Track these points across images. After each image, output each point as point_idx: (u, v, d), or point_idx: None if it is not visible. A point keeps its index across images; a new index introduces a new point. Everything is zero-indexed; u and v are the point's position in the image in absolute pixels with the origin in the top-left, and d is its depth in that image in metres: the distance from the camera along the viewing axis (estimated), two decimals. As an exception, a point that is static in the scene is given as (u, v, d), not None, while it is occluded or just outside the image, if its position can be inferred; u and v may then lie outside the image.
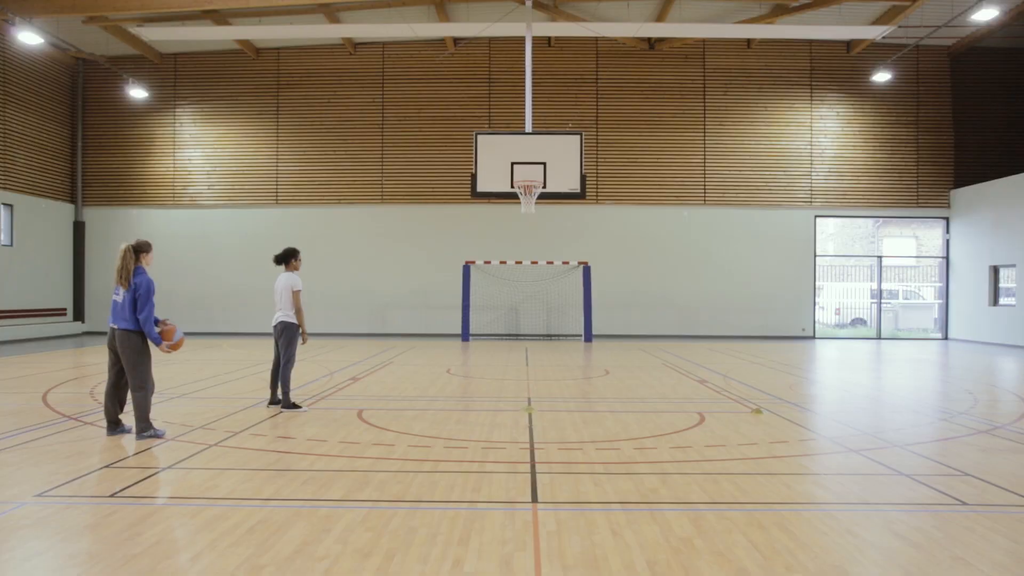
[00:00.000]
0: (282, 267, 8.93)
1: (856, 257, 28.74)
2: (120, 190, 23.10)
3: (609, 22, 20.24)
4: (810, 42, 22.45)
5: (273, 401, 8.84)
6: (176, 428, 7.47)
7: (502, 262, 21.46)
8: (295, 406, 8.59)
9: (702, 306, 22.40)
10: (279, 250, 9.00)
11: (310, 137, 22.72)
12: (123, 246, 6.96)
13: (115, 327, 6.90)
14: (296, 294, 8.58)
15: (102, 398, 9.37)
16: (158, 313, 7.06)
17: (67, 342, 19.58)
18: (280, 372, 8.60)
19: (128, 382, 6.95)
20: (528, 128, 15.42)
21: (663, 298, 22.39)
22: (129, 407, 7.15)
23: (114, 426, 7.10)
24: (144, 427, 6.92)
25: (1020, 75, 22.11)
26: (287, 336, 8.55)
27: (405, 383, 11.23)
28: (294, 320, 8.60)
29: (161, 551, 4.10)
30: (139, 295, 6.81)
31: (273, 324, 8.71)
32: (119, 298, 6.89)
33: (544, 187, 14.52)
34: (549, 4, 19.60)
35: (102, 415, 8.17)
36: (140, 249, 7.00)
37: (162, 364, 13.77)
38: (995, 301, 20.93)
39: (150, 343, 6.96)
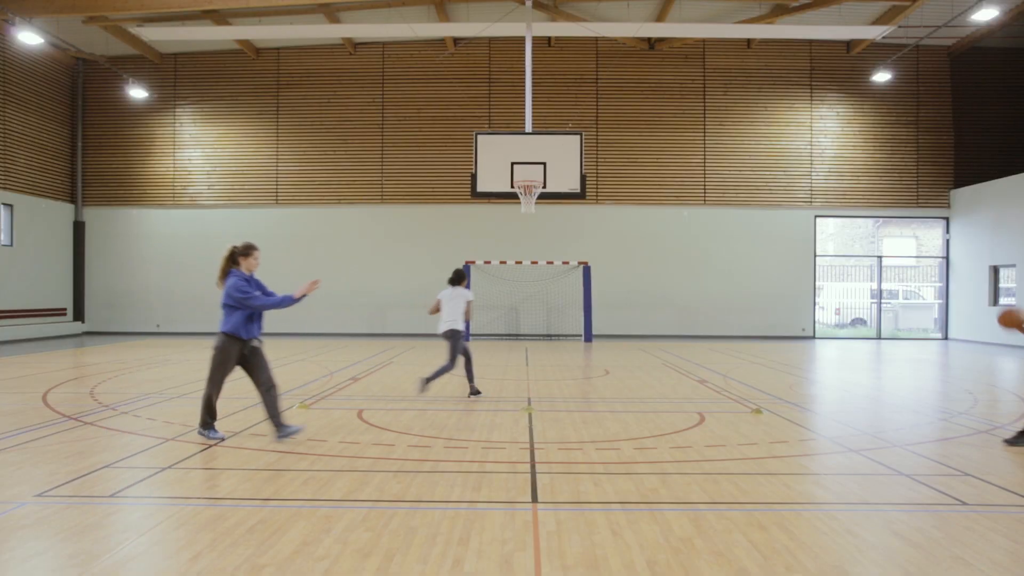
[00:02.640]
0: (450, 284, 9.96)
1: (856, 257, 28.74)
2: (120, 190, 23.11)
3: (609, 22, 20.24)
4: (810, 42, 22.45)
5: (475, 390, 9.91)
6: (176, 428, 7.47)
7: (502, 262, 21.46)
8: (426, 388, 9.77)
9: (702, 306, 22.40)
10: (451, 273, 10.10)
11: (310, 137, 22.73)
12: (227, 248, 6.90)
13: None
14: (469, 304, 9.87)
15: (103, 398, 9.40)
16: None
17: (67, 342, 19.58)
18: (469, 366, 9.91)
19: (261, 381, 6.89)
20: (528, 128, 15.42)
21: (663, 298, 22.39)
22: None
23: (281, 428, 6.83)
24: (205, 424, 6.90)
25: (1020, 75, 22.11)
26: (457, 339, 9.68)
27: (405, 383, 11.23)
28: (462, 327, 9.75)
29: (161, 551, 4.10)
30: (229, 296, 6.67)
31: (444, 331, 9.68)
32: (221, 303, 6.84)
33: (544, 187, 14.51)
34: (549, 4, 19.60)
35: (102, 415, 8.19)
36: (241, 253, 6.86)
37: (162, 364, 13.78)
38: (995, 301, 20.93)
39: (232, 345, 6.74)
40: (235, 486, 5.36)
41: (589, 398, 10.00)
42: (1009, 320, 6.71)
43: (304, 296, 6.87)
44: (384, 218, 22.59)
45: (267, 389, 6.85)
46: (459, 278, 10.05)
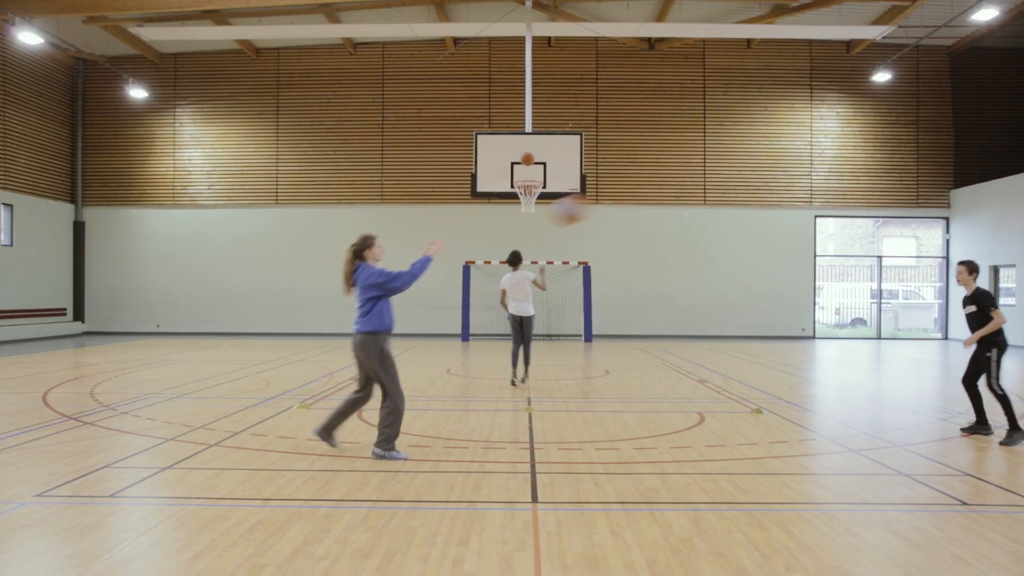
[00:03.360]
0: (511, 268, 10.81)
1: (856, 257, 28.74)
2: (120, 190, 23.10)
3: (609, 22, 20.24)
4: (810, 42, 22.45)
5: (517, 377, 10.78)
6: (176, 428, 7.47)
7: (502, 262, 21.37)
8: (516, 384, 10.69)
9: (702, 306, 22.40)
10: (509, 254, 10.95)
11: (310, 137, 22.72)
12: (345, 251, 6.43)
13: (354, 331, 6.28)
14: (536, 283, 10.65)
15: (103, 398, 9.39)
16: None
17: (67, 342, 19.58)
18: (528, 352, 10.79)
19: (382, 393, 6.30)
20: (528, 128, 15.42)
21: (663, 298, 22.39)
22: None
23: (327, 434, 6.42)
24: (387, 445, 6.19)
25: (1020, 75, 22.11)
26: (531, 324, 10.72)
27: (405, 383, 11.20)
28: (527, 311, 10.66)
29: (161, 551, 4.10)
30: (372, 286, 6.21)
31: (519, 315, 10.61)
32: (357, 303, 6.33)
33: (544, 187, 14.52)
34: (549, 4, 19.60)
35: (102, 415, 8.19)
36: (362, 247, 6.45)
37: (162, 364, 13.78)
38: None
39: (387, 340, 6.30)
40: (235, 486, 5.36)
41: (589, 398, 10.00)
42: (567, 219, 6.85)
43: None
44: (384, 218, 22.57)
45: (361, 396, 6.42)
46: (515, 260, 10.74)
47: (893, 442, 7.06)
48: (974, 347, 7.33)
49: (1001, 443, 6.99)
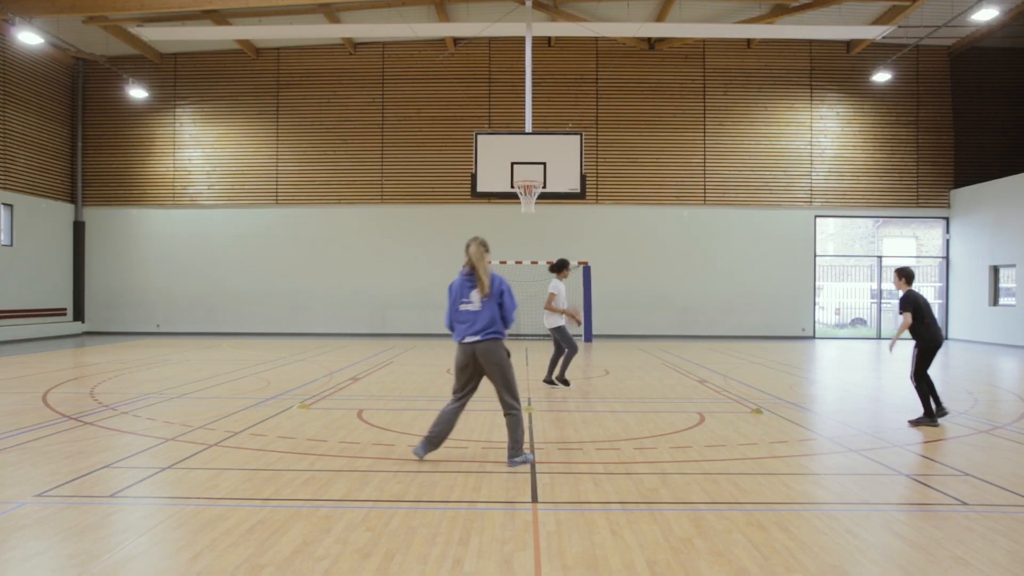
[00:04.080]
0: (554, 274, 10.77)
1: (856, 257, 28.73)
2: (120, 190, 23.11)
3: (609, 22, 20.24)
4: (810, 42, 22.45)
5: (547, 380, 10.90)
6: (176, 428, 7.47)
7: (502, 262, 21.42)
8: (565, 383, 10.71)
9: (702, 306, 22.40)
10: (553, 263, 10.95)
11: (310, 137, 22.72)
12: (476, 246, 6.06)
13: (476, 340, 5.90)
14: (550, 296, 10.53)
15: (103, 398, 9.39)
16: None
17: (67, 342, 19.58)
18: (563, 360, 10.68)
19: (502, 402, 6.02)
20: (528, 128, 15.41)
21: (663, 298, 22.39)
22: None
23: (433, 447, 6.17)
24: (517, 451, 6.02)
25: (1020, 75, 22.11)
26: (558, 332, 10.59)
27: (405, 383, 11.23)
28: (557, 323, 10.53)
29: (161, 551, 4.10)
30: (506, 300, 5.96)
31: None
32: (473, 306, 5.93)
33: (544, 187, 14.51)
34: (549, 4, 19.60)
35: (102, 415, 8.19)
36: (487, 249, 6.15)
37: (162, 365, 13.78)
38: (995, 301, 20.92)
39: None
40: (235, 486, 5.36)
41: (589, 398, 10.00)
42: None
43: None
44: (384, 218, 22.59)
45: (463, 404, 6.25)
46: (555, 267, 10.70)
47: (893, 442, 7.06)
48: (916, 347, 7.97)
49: (909, 421, 7.92)
